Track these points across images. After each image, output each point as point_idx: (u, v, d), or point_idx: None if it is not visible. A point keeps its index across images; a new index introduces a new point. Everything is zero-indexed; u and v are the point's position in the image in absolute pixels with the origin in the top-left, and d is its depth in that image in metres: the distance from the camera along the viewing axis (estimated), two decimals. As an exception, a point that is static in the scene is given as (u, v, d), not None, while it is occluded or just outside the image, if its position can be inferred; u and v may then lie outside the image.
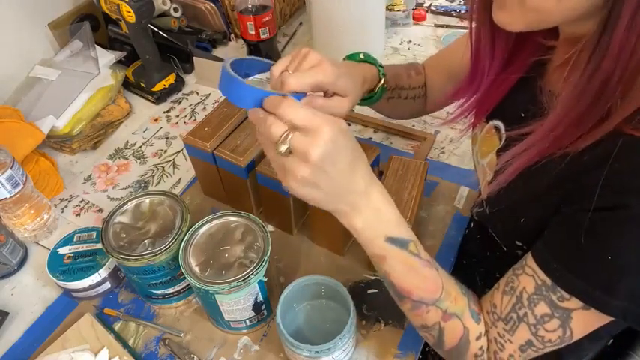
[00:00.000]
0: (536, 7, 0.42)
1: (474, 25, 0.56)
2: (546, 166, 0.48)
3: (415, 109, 0.81)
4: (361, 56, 0.68)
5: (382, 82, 0.68)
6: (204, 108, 1.07)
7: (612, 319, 0.46)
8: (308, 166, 0.44)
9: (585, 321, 0.48)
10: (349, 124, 0.99)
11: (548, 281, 0.48)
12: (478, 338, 0.54)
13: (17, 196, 0.76)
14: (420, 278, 0.53)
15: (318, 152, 0.43)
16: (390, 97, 0.72)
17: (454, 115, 0.65)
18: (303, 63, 0.54)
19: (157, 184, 0.92)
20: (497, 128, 0.60)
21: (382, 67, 0.69)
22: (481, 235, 0.73)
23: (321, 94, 0.58)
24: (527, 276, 0.50)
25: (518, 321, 0.51)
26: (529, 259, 0.50)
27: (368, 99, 0.70)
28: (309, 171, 0.44)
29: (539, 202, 0.52)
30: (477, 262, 0.78)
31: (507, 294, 0.52)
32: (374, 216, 0.50)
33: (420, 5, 1.28)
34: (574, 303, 0.46)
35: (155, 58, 1.06)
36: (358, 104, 0.67)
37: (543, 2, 0.42)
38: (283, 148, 0.44)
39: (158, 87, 1.07)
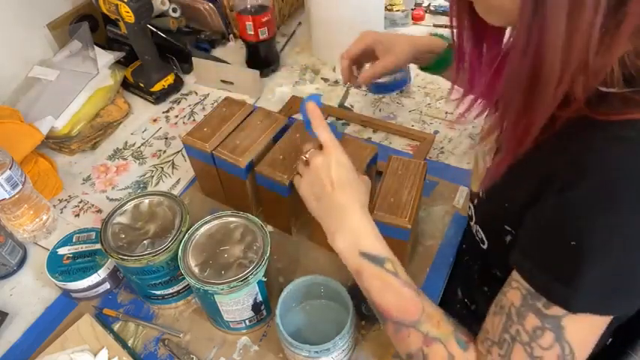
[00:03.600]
0: (493, 5, 0.45)
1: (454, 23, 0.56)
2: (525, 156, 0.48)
3: None
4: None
5: (447, 45, 0.79)
6: (204, 108, 1.07)
7: (609, 320, 0.45)
8: (308, 169, 0.59)
9: (580, 330, 0.45)
10: (348, 124, 0.99)
11: (531, 287, 0.46)
12: None
13: (16, 196, 0.76)
14: (398, 297, 0.54)
15: (319, 160, 0.58)
16: None
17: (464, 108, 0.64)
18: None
19: (156, 185, 0.92)
20: None
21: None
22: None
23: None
24: (513, 289, 0.49)
25: (511, 341, 0.48)
26: (514, 273, 0.49)
27: (440, 63, 0.81)
28: (308, 172, 0.59)
29: (520, 188, 0.51)
30: (469, 259, 0.78)
31: (498, 314, 0.50)
32: (351, 233, 0.56)
33: (418, 5, 1.28)
34: (557, 309, 0.44)
35: (154, 58, 1.06)
36: (432, 72, 0.84)
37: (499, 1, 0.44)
38: (304, 157, 0.61)
39: (157, 87, 1.07)
